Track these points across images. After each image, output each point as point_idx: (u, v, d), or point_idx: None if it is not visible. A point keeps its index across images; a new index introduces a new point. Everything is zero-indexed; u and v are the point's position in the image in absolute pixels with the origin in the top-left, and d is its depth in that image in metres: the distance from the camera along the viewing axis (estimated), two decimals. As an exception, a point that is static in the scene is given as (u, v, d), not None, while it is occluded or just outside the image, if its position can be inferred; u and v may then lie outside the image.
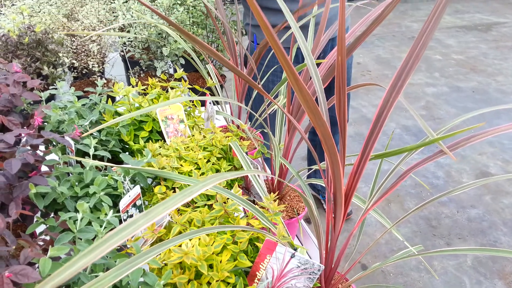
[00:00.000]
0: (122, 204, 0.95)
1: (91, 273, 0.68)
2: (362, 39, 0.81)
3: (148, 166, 1.03)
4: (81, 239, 0.73)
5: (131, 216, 1.00)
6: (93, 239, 0.75)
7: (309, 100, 0.59)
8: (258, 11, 0.46)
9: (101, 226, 0.74)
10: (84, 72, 1.65)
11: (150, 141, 1.26)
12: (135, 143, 1.22)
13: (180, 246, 0.82)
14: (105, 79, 1.73)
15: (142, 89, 1.35)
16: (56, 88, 1.26)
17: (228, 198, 0.86)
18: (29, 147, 0.96)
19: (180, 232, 0.82)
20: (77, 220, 0.79)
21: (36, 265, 0.74)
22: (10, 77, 1.18)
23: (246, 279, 0.83)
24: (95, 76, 1.67)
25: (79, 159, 0.95)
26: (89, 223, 0.82)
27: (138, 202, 1.02)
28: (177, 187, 1.02)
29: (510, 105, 0.88)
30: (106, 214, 0.90)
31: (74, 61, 1.52)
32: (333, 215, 0.83)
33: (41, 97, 1.19)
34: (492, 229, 2.55)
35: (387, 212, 2.60)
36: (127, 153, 1.25)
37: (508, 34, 5.99)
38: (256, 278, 0.83)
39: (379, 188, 0.93)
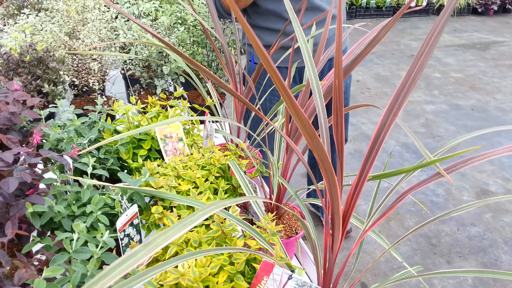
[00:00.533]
0: (119, 223, 0.95)
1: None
2: (359, 60, 0.82)
3: (146, 185, 1.03)
4: (76, 259, 0.73)
5: (128, 235, 1.00)
6: (89, 259, 0.74)
7: (305, 123, 0.59)
8: (249, 30, 0.47)
9: (97, 246, 0.74)
10: (84, 89, 1.66)
11: (149, 159, 1.26)
12: (133, 162, 1.22)
13: (176, 267, 0.81)
14: (106, 96, 1.74)
15: (141, 108, 1.36)
16: (56, 106, 1.26)
17: (225, 218, 0.86)
18: (27, 166, 0.96)
19: (176, 253, 0.82)
20: (73, 240, 0.78)
21: (31, 286, 0.73)
22: (10, 95, 1.18)
23: (243, 300, 0.82)
24: (95, 94, 1.68)
25: (76, 178, 0.95)
26: (86, 243, 0.82)
27: (135, 221, 1.01)
28: (174, 206, 1.02)
29: (509, 126, 0.88)
30: (102, 234, 0.89)
31: (74, 79, 1.53)
32: (331, 236, 0.82)
33: (40, 115, 1.19)
34: (493, 247, 2.53)
35: (387, 230, 2.59)
36: (125, 171, 1.25)
37: (507, 53, 6.04)
38: (253, 300, 0.82)
39: (378, 208, 0.93)
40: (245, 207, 1.17)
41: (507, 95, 4.59)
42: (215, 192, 1.10)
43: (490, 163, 3.34)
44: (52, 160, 1.12)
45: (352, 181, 0.81)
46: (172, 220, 0.85)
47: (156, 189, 0.97)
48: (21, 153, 1.00)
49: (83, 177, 1.00)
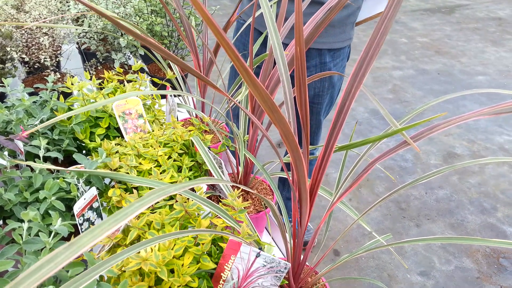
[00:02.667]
0: (77, 208, 0.89)
1: (41, 287, 0.63)
2: (322, 27, 0.78)
3: (105, 166, 0.98)
4: (28, 250, 0.68)
5: (88, 219, 0.95)
6: (41, 250, 0.69)
7: (264, 95, 0.55)
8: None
9: (49, 234, 0.69)
10: (36, 66, 1.55)
11: (107, 139, 1.19)
12: (91, 141, 1.15)
13: (139, 252, 0.77)
14: (60, 73, 1.63)
15: (98, 84, 1.28)
16: (3, 86, 1.17)
17: (189, 198, 0.82)
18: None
19: (139, 236, 0.77)
20: (25, 230, 0.73)
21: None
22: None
23: (211, 281, 0.79)
24: (49, 71, 1.58)
25: (27, 162, 0.88)
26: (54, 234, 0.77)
27: (95, 205, 0.96)
28: (136, 188, 0.97)
29: (474, 90, 0.87)
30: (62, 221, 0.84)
31: (24, 56, 1.43)
32: (299, 210, 0.80)
33: (-15, 96, 1.10)
34: (460, 208, 2.61)
35: (358, 197, 2.62)
36: (83, 152, 1.18)
37: (470, 16, 6.11)
38: (221, 280, 0.79)
39: (346, 178, 0.91)
40: (212, 184, 1.13)
41: (472, 59, 4.66)
42: (179, 169, 1.06)
43: (456, 126, 3.41)
44: (1, 145, 1.05)
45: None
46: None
47: (113, 170, 0.91)
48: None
49: (35, 161, 0.94)
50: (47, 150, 1.03)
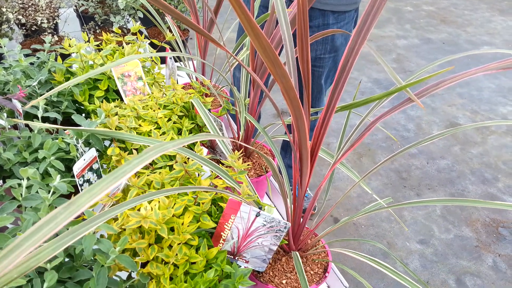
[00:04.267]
0: (77, 168, 0.89)
1: (39, 244, 0.63)
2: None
3: (104, 127, 0.97)
4: (28, 207, 0.67)
5: (88, 180, 0.94)
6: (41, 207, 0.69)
7: (267, 47, 0.53)
8: None
9: (49, 192, 0.68)
10: (34, 29, 1.52)
11: (106, 101, 1.18)
12: (90, 104, 1.14)
13: (139, 210, 0.77)
14: (58, 36, 1.60)
15: (96, 45, 1.25)
16: (0, 47, 1.15)
17: (189, 158, 0.81)
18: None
19: (138, 196, 0.77)
20: (24, 187, 0.72)
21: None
22: None
23: (211, 240, 0.79)
24: (46, 33, 1.54)
25: (26, 122, 0.87)
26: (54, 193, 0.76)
27: (95, 166, 0.95)
28: (136, 149, 0.96)
29: (476, 51, 0.84)
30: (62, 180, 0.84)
31: (20, 17, 1.39)
32: (299, 172, 0.79)
33: (-18, 56, 1.08)
34: (461, 178, 2.61)
35: (359, 166, 2.62)
36: (83, 115, 1.17)
37: (478, -16, 5.95)
38: (221, 239, 0.79)
39: (347, 141, 0.90)
40: (212, 147, 1.12)
41: (478, 28, 4.57)
42: (179, 132, 1.05)
43: (460, 96, 3.38)
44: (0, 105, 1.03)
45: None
46: (131, 162, 0.80)
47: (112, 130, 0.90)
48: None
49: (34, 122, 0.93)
50: (46, 111, 1.02)
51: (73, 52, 1.19)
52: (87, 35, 1.62)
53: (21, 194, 0.67)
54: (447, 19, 4.78)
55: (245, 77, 1.21)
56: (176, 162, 0.83)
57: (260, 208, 0.76)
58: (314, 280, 0.88)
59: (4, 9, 1.38)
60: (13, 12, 1.41)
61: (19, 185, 0.72)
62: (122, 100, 1.18)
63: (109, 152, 0.85)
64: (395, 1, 5.10)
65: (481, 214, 2.39)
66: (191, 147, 1.00)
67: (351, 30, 1.59)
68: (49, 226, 0.31)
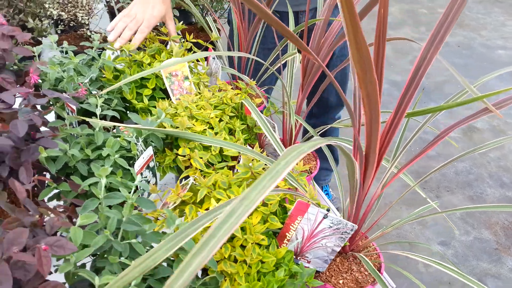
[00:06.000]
0: (137, 166, 0.90)
1: (123, 240, 0.64)
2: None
3: (159, 127, 0.98)
4: (107, 206, 0.68)
5: (146, 178, 0.96)
6: (121, 204, 0.70)
7: (365, 53, 0.54)
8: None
9: (129, 191, 0.69)
10: (71, 25, 1.53)
11: (153, 99, 1.19)
12: (138, 102, 1.15)
13: (207, 209, 0.78)
14: (93, 32, 1.61)
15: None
16: (47, 43, 1.16)
17: (253, 159, 0.82)
18: (30, 108, 0.88)
19: (207, 196, 0.78)
20: (94, 184, 0.74)
21: (59, 234, 0.69)
22: (-4, 30, 1.07)
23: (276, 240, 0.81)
24: (83, 29, 1.55)
25: (87, 119, 0.88)
26: (110, 189, 0.78)
27: (151, 164, 0.97)
28: (189, 148, 0.97)
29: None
30: (121, 178, 0.85)
31: (62, 13, 1.40)
32: (363, 173, 0.80)
33: (33, 52, 1.09)
34: (479, 181, 2.62)
35: (382, 167, 2.63)
36: (128, 113, 1.18)
37: (491, -13, 5.95)
38: (286, 239, 0.81)
39: (404, 147, 0.91)
40: (260, 147, 1.14)
41: (492, 32, 4.57)
42: (230, 132, 1.06)
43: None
44: (51, 101, 1.05)
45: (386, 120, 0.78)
46: (200, 163, 0.81)
47: (175, 129, 0.92)
48: (18, 94, 0.92)
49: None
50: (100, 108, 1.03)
51: (118, 50, 1.20)
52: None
53: (100, 192, 0.69)
54: (461, 22, 4.78)
55: (289, 78, 1.22)
56: (238, 162, 0.84)
57: (327, 210, 0.77)
58: (369, 280, 0.90)
59: (47, 5, 1.40)
60: (54, 8, 1.42)
61: (95, 183, 0.73)
62: (168, 98, 1.19)
63: (180, 151, 0.85)
64: (410, 2, 5.10)
65: (500, 217, 2.40)
66: (251, 146, 1.01)
67: None
68: (231, 220, 0.33)
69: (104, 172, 0.68)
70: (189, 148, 0.96)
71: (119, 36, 1.23)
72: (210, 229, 0.33)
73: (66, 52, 1.16)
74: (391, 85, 3.48)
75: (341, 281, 0.88)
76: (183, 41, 1.25)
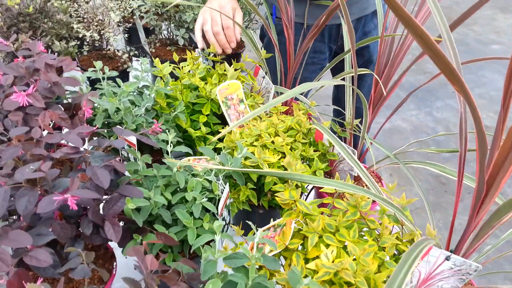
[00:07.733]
0: (220, 207, 0.82)
1: None
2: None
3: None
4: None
5: (224, 219, 0.88)
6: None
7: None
8: None
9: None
10: (96, 45, 1.43)
11: (207, 126, 1.10)
12: (195, 130, 1.07)
13: (316, 257, 0.71)
14: (116, 50, 1.51)
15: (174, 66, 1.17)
16: (94, 70, 1.06)
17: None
18: (102, 151, 0.79)
19: (319, 242, 0.71)
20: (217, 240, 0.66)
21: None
22: (38, 60, 0.97)
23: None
24: (109, 48, 1.45)
25: (170, 160, 0.79)
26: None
27: (227, 202, 0.89)
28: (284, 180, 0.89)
29: None
30: (208, 223, 0.77)
31: (95, 34, 1.30)
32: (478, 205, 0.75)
33: (81, 83, 0.99)
34: (496, 181, 2.62)
35: (397, 172, 2.60)
36: (204, 147, 1.09)
37: (475, -18, 6.02)
38: (401, 284, 0.74)
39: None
40: (329, 174, 1.07)
41: (484, 27, 4.61)
42: (302, 160, 0.99)
43: (480, 97, 3.40)
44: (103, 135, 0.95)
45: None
46: (305, 205, 0.74)
47: (262, 168, 0.84)
48: (84, 133, 0.83)
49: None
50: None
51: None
52: (150, 50, 1.54)
53: (216, 252, 0.61)
54: (452, 18, 4.78)
55: (349, 97, 1.16)
56: (343, 199, 0.77)
57: (451, 251, 0.71)
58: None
59: (74, 26, 1.29)
60: (80, 29, 1.32)
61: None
62: (224, 124, 1.11)
63: (287, 195, 0.76)
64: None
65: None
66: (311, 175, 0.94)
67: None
68: None
69: (218, 229, 0.60)
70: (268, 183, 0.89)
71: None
72: None
73: (104, 78, 1.06)
74: (399, 88, 3.46)
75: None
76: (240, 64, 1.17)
